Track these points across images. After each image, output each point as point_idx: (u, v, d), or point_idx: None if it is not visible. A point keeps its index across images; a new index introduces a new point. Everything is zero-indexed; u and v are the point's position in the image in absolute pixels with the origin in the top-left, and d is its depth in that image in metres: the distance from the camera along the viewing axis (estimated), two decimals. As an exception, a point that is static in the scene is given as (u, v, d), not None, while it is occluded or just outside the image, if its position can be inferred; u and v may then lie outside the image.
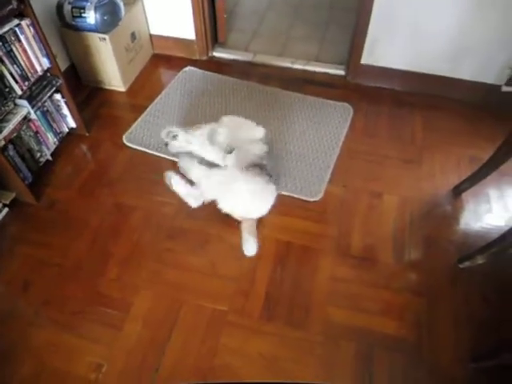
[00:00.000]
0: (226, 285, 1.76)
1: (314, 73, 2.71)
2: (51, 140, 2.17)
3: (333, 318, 1.66)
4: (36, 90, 1.99)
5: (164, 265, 1.83)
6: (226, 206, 1.91)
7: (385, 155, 2.22)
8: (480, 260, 1.73)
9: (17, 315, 1.71)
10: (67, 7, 2.21)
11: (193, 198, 1.95)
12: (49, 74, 2.04)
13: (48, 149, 2.16)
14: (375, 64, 2.51)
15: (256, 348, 1.59)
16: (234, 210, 1.92)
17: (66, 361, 1.58)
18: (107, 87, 2.63)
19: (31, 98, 1.95)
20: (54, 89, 2.06)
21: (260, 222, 1.96)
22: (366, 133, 2.34)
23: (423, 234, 1.91)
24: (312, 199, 2.03)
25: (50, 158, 2.19)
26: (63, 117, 2.22)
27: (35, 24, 1.83)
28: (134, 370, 1.55)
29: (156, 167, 2.18)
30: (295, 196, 2.04)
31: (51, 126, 2.15)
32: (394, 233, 1.91)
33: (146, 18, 2.69)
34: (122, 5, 2.34)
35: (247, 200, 1.88)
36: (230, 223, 1.96)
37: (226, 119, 2.14)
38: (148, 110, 2.46)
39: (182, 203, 1.99)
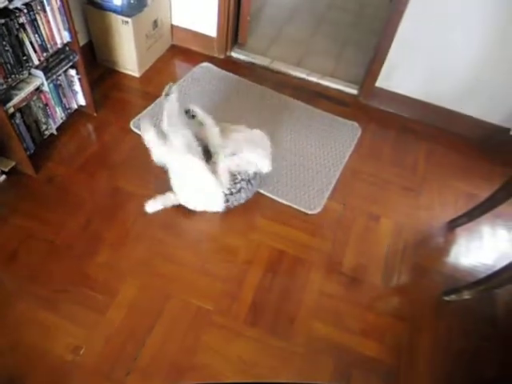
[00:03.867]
0: (214, 284, 1.76)
1: (328, 88, 2.74)
2: (59, 114, 2.15)
3: (316, 332, 1.67)
4: (52, 63, 1.97)
5: (154, 255, 1.82)
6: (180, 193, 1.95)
7: (386, 179, 2.25)
8: (466, 295, 1.75)
9: (-1, 285, 1.69)
10: (96, -15, 2.20)
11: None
12: (67, 49, 2.02)
13: (54, 123, 2.14)
14: (388, 88, 2.54)
15: (236, 351, 1.59)
16: (182, 197, 1.95)
17: (43, 338, 1.56)
18: (121, 70, 2.62)
19: (47, 69, 1.94)
20: (71, 64, 2.05)
21: (256, 227, 1.97)
22: (370, 154, 2.37)
23: (414, 261, 1.93)
24: (310, 212, 2.04)
25: (55, 133, 2.17)
26: (74, 93, 2.20)
27: (62, -5, 1.82)
28: (111, 356, 1.54)
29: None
30: (294, 206, 2.05)
31: (61, 101, 2.13)
32: (386, 256, 1.93)
33: (170, 7, 2.69)
34: (149, -9, 2.34)
35: (191, 193, 1.93)
36: (228, 225, 1.97)
37: (257, 132, 2.10)
38: (159, 99, 2.45)
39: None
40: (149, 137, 1.89)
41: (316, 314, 1.71)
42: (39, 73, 1.89)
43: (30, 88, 1.87)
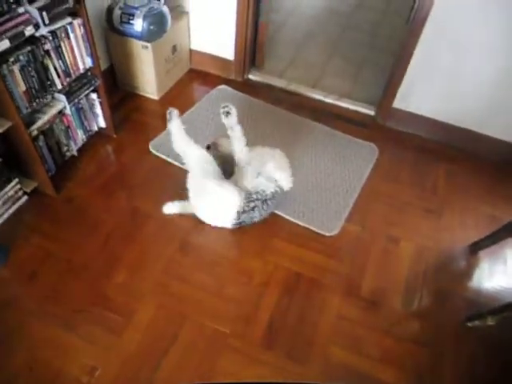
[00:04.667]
0: (230, 307, 1.74)
1: (345, 109, 2.74)
2: (80, 136, 2.20)
3: (333, 357, 1.62)
4: (75, 87, 2.03)
5: (171, 277, 1.82)
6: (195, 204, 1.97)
7: (406, 201, 2.21)
8: (490, 321, 1.69)
9: (18, 304, 1.71)
10: (117, 12, 2.28)
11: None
12: (89, 73, 2.09)
13: (75, 144, 2.19)
14: (406, 109, 2.53)
15: (252, 376, 1.56)
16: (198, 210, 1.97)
17: (59, 358, 1.56)
18: (141, 93, 2.68)
19: (69, 93, 2.00)
20: (92, 88, 2.11)
21: (272, 249, 1.95)
22: (388, 176, 2.34)
23: (435, 285, 1.88)
24: (328, 234, 2.01)
25: (76, 154, 2.22)
26: (95, 116, 2.26)
27: (86, 24, 1.89)
28: (127, 379, 1.52)
29: (178, 179, 2.19)
30: (311, 228, 2.03)
31: (82, 123, 2.18)
32: (406, 280, 1.88)
33: (189, 33, 2.76)
34: (169, 18, 2.40)
35: (205, 204, 1.94)
36: (244, 246, 1.96)
37: (277, 151, 2.10)
38: (177, 121, 2.50)
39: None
40: (172, 127, 1.95)
41: (333, 339, 1.67)
42: (62, 97, 1.95)
43: (53, 111, 1.93)
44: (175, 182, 2.16)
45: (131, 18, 2.26)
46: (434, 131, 2.55)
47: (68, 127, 2.09)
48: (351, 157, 2.41)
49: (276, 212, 2.06)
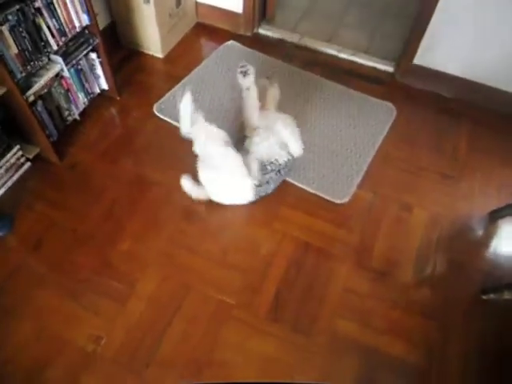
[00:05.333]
0: (236, 277, 1.71)
1: (361, 65, 2.56)
2: (81, 99, 2.12)
3: (340, 330, 1.59)
4: (72, 47, 1.92)
5: (176, 246, 1.79)
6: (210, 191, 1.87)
7: (422, 166, 2.09)
8: (507, 295, 1.62)
9: (24, 273, 1.71)
10: (115, -37, 2.11)
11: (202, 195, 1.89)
12: (87, 32, 1.97)
13: (77, 108, 2.11)
14: (428, 66, 2.34)
15: (257, 348, 1.55)
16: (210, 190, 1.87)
17: (66, 328, 1.58)
18: (145, 51, 2.55)
19: (66, 54, 1.89)
20: (91, 48, 2.00)
21: (280, 217, 1.89)
22: (406, 138, 2.20)
23: (449, 256, 1.80)
24: (338, 201, 1.93)
25: (78, 118, 2.14)
26: (96, 77, 2.16)
27: (79, -23, 1.75)
28: (131, 348, 1.53)
29: (183, 143, 2.11)
30: (321, 195, 1.94)
31: (83, 86, 2.09)
32: (419, 250, 1.81)
33: (194, -17, 2.57)
34: (171, -33, 2.22)
35: (219, 185, 1.85)
36: (251, 215, 1.90)
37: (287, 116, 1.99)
38: (183, 81, 2.38)
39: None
40: (183, 104, 1.80)
41: (341, 312, 1.63)
42: (58, 58, 1.85)
43: (50, 74, 1.84)
44: (180, 146, 2.08)
45: (129, -32, 2.09)
46: (457, 89, 2.36)
47: (68, 90, 2.00)
48: (366, 117, 2.27)
49: (285, 179, 1.98)
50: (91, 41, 1.98)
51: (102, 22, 2.43)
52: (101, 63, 2.11)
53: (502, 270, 1.77)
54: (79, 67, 2.01)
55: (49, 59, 1.85)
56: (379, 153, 2.12)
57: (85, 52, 1.98)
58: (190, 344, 1.55)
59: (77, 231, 1.82)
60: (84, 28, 1.93)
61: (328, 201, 1.94)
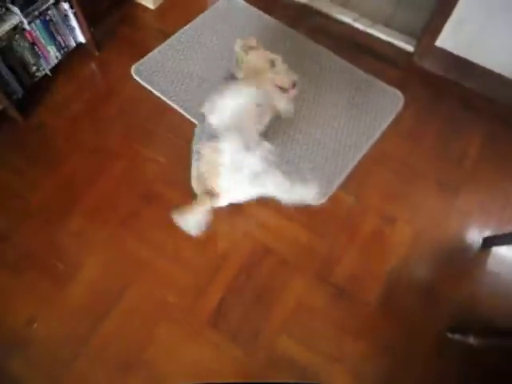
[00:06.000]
0: (183, 275, 1.59)
1: (377, 40, 2.21)
2: (52, 54, 1.94)
3: (282, 348, 1.47)
4: (36, -5, 1.72)
5: (128, 231, 1.67)
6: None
7: (419, 170, 1.83)
8: (472, 341, 1.42)
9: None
10: None
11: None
12: (55, -22, 1.75)
13: (48, 63, 1.94)
14: (452, 50, 1.98)
15: (190, 353, 1.46)
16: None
17: (1, 303, 1.53)
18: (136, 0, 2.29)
19: (26, 4, 1.69)
20: (58, -3, 1.78)
21: (244, 212, 1.72)
22: (408, 135, 1.92)
23: (425, 282, 1.60)
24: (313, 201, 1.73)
25: (50, 74, 1.98)
26: (71, 29, 1.95)
27: None
28: (62, 336, 1.48)
29: (157, 113, 1.93)
30: (295, 192, 1.75)
31: (54, 39, 1.90)
32: (391, 273, 1.61)
33: None
34: None
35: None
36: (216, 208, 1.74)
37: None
38: (169, 40, 2.13)
39: (169, 164, 1.78)
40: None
41: (287, 328, 1.50)
42: (15, 9, 1.65)
43: (6, 27, 1.65)
44: (153, 117, 1.91)
45: None
46: (483, 82, 2.00)
47: (33, 44, 1.82)
48: (368, 104, 1.98)
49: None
50: (59, -11, 1.76)
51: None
52: (74, 14, 1.89)
53: (478, 310, 1.55)
54: (48, 18, 1.81)
55: (7, 9, 1.66)
56: (374, 149, 1.87)
57: (50, 2, 1.76)
58: (123, 339, 1.47)
59: (29, 201, 1.72)
60: (50, -26, 1.70)
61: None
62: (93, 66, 2.09)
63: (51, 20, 1.83)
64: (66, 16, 1.89)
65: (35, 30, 1.78)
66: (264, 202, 1.71)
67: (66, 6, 1.84)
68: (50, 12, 1.80)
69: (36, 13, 1.73)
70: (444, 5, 1.85)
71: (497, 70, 1.92)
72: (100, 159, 1.83)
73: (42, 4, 1.74)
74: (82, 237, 1.66)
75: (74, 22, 1.93)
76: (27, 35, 1.77)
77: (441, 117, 1.98)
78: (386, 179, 1.81)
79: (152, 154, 1.83)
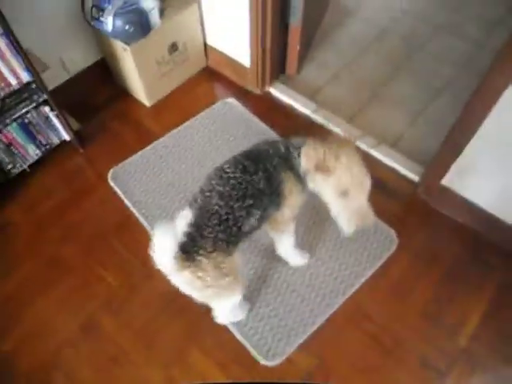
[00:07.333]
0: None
1: (378, 163, 1.96)
2: (32, 152, 1.91)
3: None
4: (11, 103, 1.70)
5: (58, 368, 1.52)
6: None
7: (401, 340, 1.52)
8: None
9: None
10: (88, 4, 1.80)
11: None
12: (34, 86, 1.72)
13: (25, 160, 1.91)
14: (460, 193, 1.70)
15: None
16: None
17: None
18: (134, 95, 2.24)
19: (1, 111, 1.68)
20: (34, 104, 1.76)
21: (185, 361, 1.51)
22: (394, 290, 1.63)
23: None
24: (263, 361, 1.48)
25: (28, 170, 1.94)
26: (53, 129, 1.92)
27: (9, 34, 1.48)
28: None
29: (122, 226, 1.81)
30: (244, 344, 1.51)
31: (34, 138, 1.88)
32: None
33: (202, 25, 2.15)
34: (154, 13, 1.84)
35: None
36: (155, 348, 1.55)
37: None
38: (155, 143, 2.04)
39: (119, 289, 1.64)
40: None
41: None
42: (-11, 114, 1.63)
43: (-21, 131, 1.63)
44: (117, 233, 1.79)
45: (101, 13, 1.77)
46: (496, 232, 1.69)
47: (10, 144, 1.80)
48: (353, 245, 1.72)
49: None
50: (35, 97, 1.74)
51: (92, 57, 2.19)
52: (56, 116, 1.86)
53: None
54: (26, 121, 1.79)
55: (-19, 114, 1.65)
56: (348, 304, 1.59)
57: (26, 109, 1.75)
58: None
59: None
60: (27, 84, 1.68)
61: (250, 356, 1.50)
62: (74, 162, 2.04)
63: (30, 122, 1.81)
64: (48, 118, 1.86)
65: (11, 132, 1.76)
66: (210, 352, 1.52)
67: (46, 109, 1.82)
68: (29, 115, 1.78)
69: (12, 118, 1.72)
70: (451, 144, 1.59)
71: (506, 219, 1.60)
72: (52, 272, 1.73)
73: (18, 110, 1.72)
74: (6, 363, 1.53)
75: (56, 123, 1.89)
76: (2, 137, 1.75)
77: (439, 269, 1.67)
78: (358, 345, 1.52)
79: (105, 273, 1.70)
